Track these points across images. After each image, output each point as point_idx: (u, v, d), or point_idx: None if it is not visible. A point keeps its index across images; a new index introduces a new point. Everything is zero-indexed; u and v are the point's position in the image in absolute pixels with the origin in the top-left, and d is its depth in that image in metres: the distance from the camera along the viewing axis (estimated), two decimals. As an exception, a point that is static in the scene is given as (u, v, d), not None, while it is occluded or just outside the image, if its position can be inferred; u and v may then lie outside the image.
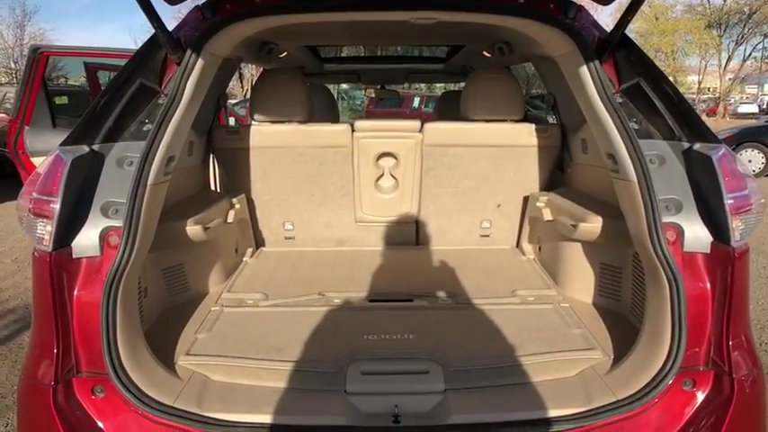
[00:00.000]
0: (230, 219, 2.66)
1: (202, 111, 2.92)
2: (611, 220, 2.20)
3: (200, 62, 1.86)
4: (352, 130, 2.91)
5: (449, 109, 4.23)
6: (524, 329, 2.08)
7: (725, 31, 36.11)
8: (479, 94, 2.87)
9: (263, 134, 2.89)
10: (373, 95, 5.96)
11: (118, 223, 1.63)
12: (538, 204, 2.78)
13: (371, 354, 1.90)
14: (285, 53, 3.57)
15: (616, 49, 1.90)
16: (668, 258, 1.62)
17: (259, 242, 3.16)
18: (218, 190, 3.11)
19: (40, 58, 5.05)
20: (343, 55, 4.81)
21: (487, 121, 2.90)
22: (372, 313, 2.27)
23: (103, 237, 1.62)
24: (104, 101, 1.81)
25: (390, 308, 2.31)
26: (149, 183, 1.73)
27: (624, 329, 2.07)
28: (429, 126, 2.90)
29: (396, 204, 3.09)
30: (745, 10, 34.05)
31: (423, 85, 24.31)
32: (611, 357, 1.87)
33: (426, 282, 2.60)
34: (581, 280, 2.45)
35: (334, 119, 4.12)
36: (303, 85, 2.88)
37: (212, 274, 2.56)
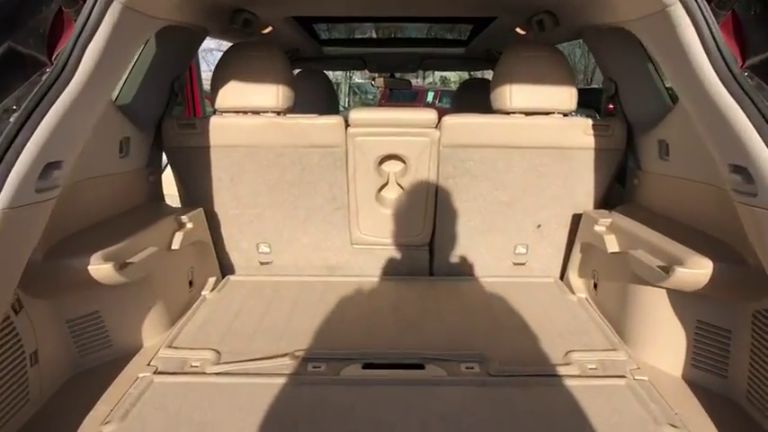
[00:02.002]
0: (176, 244, 1.96)
1: (146, 97, 2.22)
2: (723, 263, 1.48)
3: (110, 20, 1.26)
4: (347, 125, 2.19)
5: (471, 101, 3.48)
6: (591, 421, 1.38)
7: None
8: (517, 76, 2.13)
9: (229, 128, 2.18)
10: (383, 86, 5.08)
11: None
12: (597, 229, 2.04)
13: None
14: (269, 28, 2.86)
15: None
16: None
17: (226, 268, 2.46)
18: (182, 201, 2.40)
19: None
20: (346, 37, 4.08)
21: (527, 113, 2.16)
22: (365, 391, 1.56)
23: None
24: None
25: (392, 380, 1.61)
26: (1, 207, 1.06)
27: (736, 423, 1.43)
28: (448, 120, 2.17)
29: (403, 222, 2.37)
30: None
31: (437, 79, 23.54)
32: None
33: (444, 335, 1.89)
34: (664, 341, 1.72)
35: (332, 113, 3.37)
36: (282, 63, 2.17)
37: (148, 321, 1.86)
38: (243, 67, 2.14)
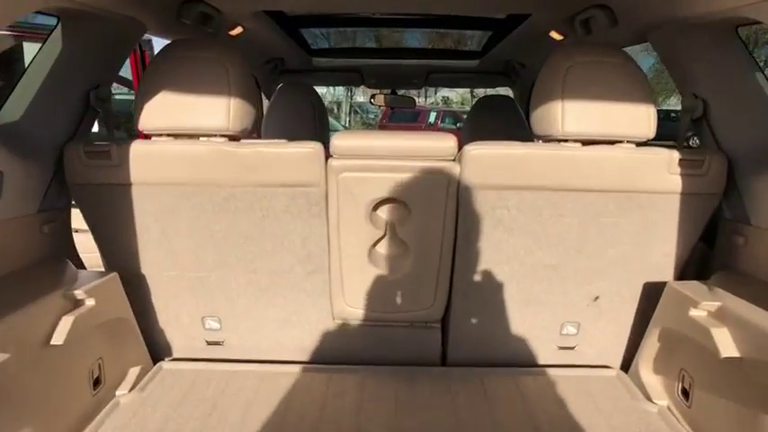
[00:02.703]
0: (60, 336, 1.28)
1: (43, 115, 1.58)
2: None
3: None
4: (327, 155, 1.54)
5: (491, 123, 2.84)
6: None
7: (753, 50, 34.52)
8: (573, 89, 1.48)
9: (159, 158, 1.52)
10: (384, 105, 4.41)
11: None
12: (694, 314, 1.37)
13: None
14: (238, 28, 2.23)
15: None
16: None
17: (160, 351, 1.78)
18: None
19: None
20: (340, 45, 3.47)
21: (586, 142, 1.51)
22: None
23: None
24: None
25: None
26: None
27: None
28: (473, 150, 1.51)
29: (406, 291, 1.70)
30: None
31: (438, 98, 23.09)
32: None
33: None
34: None
35: (319, 138, 2.69)
36: (237, 67, 1.52)
37: None
38: (180, 72, 1.49)
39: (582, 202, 1.54)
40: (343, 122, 19.57)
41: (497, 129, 2.63)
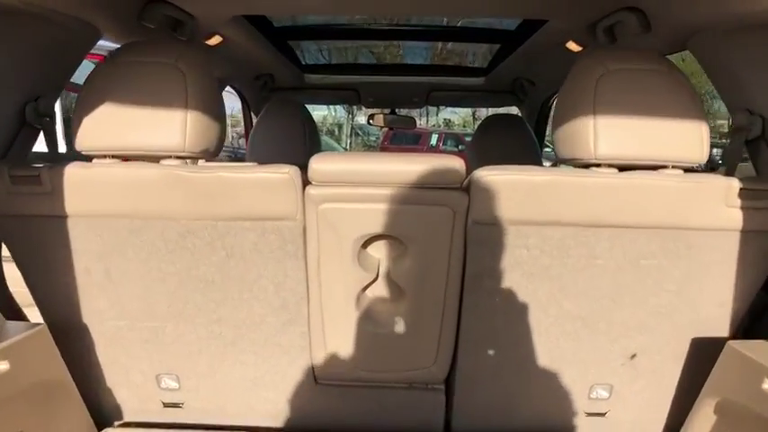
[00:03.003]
0: None
1: None
2: None
3: None
4: (304, 182, 1.26)
5: (499, 145, 2.56)
6: None
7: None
8: (606, 103, 1.21)
9: (101, 185, 1.24)
10: (383, 125, 4.14)
11: None
12: None
13: None
14: (217, 38, 1.98)
15: None
16: None
17: (107, 414, 1.48)
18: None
19: None
20: (334, 61, 3.23)
21: (622, 167, 1.24)
22: None
23: None
24: None
25: None
26: None
27: None
28: (484, 176, 1.23)
29: (403, 345, 1.40)
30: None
31: (440, 120, 23.00)
32: None
33: None
34: None
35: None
36: (197, 75, 1.25)
37: None
38: (128, 80, 1.23)
39: (619, 240, 1.25)
40: (344, 144, 19.40)
41: (507, 151, 2.36)
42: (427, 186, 1.25)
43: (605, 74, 1.23)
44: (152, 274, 1.31)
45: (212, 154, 1.29)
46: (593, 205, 1.23)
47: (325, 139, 16.38)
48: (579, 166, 1.26)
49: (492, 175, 1.21)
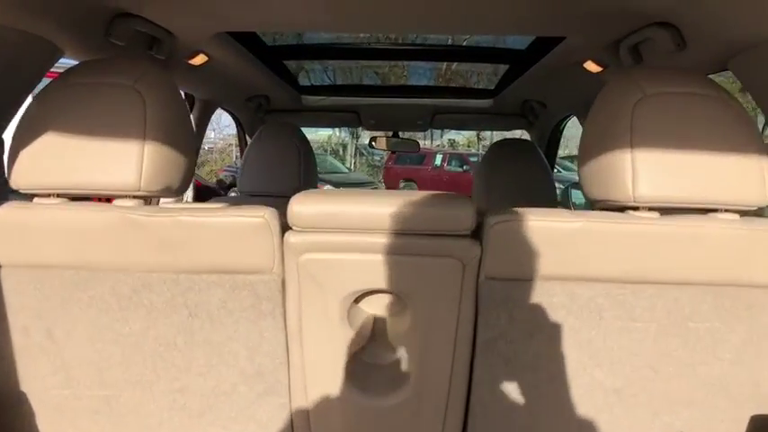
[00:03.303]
0: None
1: None
2: None
3: None
4: (284, 227, 1.05)
5: (509, 174, 2.32)
6: None
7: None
8: (645, 133, 1.00)
9: (41, 229, 1.04)
10: (385, 148, 3.96)
11: None
12: None
13: None
14: (200, 57, 1.80)
15: None
16: None
17: None
18: None
19: None
20: (334, 82, 3.06)
21: (664, 211, 1.03)
22: None
23: None
24: None
25: None
26: None
27: None
28: (500, 222, 1.01)
29: (402, 423, 1.18)
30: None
31: (445, 141, 22.91)
32: None
33: None
34: None
35: (305, 187, 2.12)
36: (159, 93, 1.06)
37: None
38: (75, 105, 1.04)
39: (661, 299, 1.04)
40: (348, 164, 19.28)
41: (518, 180, 2.16)
42: (430, 233, 1.04)
43: (643, 98, 1.03)
44: (102, 334, 1.10)
45: (175, 192, 1.09)
46: (630, 257, 1.01)
47: (329, 159, 16.28)
48: (613, 209, 1.05)
49: (508, 221, 1.00)
